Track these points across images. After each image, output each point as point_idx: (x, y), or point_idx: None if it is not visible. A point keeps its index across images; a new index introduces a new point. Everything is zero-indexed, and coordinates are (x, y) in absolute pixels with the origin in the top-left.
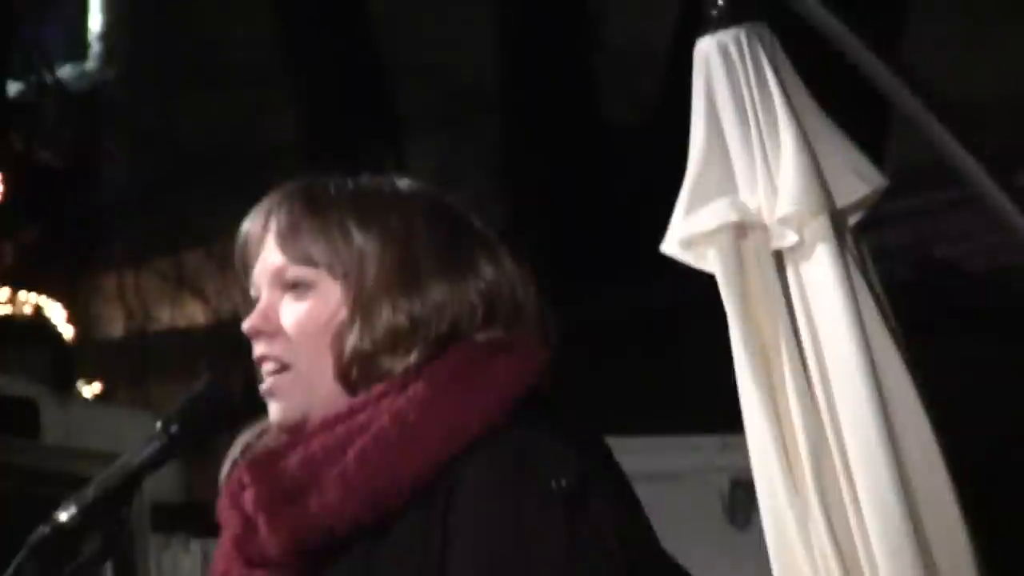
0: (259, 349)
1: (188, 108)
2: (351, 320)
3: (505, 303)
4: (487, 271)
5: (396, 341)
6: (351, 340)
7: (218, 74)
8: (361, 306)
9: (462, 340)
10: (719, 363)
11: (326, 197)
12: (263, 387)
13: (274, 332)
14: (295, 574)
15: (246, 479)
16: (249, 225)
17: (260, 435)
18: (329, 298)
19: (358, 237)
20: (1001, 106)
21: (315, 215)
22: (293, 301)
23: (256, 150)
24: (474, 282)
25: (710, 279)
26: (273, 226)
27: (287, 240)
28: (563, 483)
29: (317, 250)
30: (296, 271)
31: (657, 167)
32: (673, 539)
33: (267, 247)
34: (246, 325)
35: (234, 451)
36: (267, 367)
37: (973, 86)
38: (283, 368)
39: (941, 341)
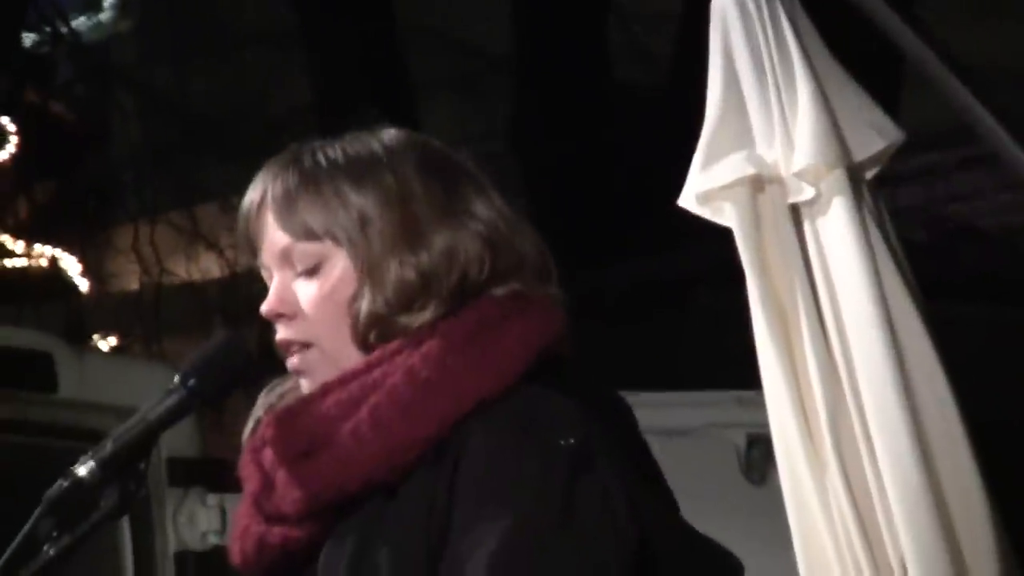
0: (281, 333)
1: (202, 66)
2: (361, 285)
3: (506, 245)
4: (483, 213)
5: (409, 298)
6: (364, 304)
7: (233, 35)
8: (369, 268)
9: (479, 296)
10: (733, 322)
11: (317, 166)
12: (290, 365)
13: (293, 314)
14: (311, 530)
15: (266, 436)
16: (247, 203)
17: (282, 395)
18: (337, 267)
19: (355, 200)
20: (1008, 74)
21: (308, 186)
22: (305, 279)
23: (270, 112)
24: (473, 225)
25: (725, 240)
26: (270, 202)
27: (285, 217)
28: (570, 442)
29: (316, 222)
30: (302, 248)
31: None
32: (688, 495)
33: (268, 224)
34: (264, 308)
35: (257, 410)
36: (292, 349)
37: (982, 54)
38: (307, 346)
39: (951, 303)
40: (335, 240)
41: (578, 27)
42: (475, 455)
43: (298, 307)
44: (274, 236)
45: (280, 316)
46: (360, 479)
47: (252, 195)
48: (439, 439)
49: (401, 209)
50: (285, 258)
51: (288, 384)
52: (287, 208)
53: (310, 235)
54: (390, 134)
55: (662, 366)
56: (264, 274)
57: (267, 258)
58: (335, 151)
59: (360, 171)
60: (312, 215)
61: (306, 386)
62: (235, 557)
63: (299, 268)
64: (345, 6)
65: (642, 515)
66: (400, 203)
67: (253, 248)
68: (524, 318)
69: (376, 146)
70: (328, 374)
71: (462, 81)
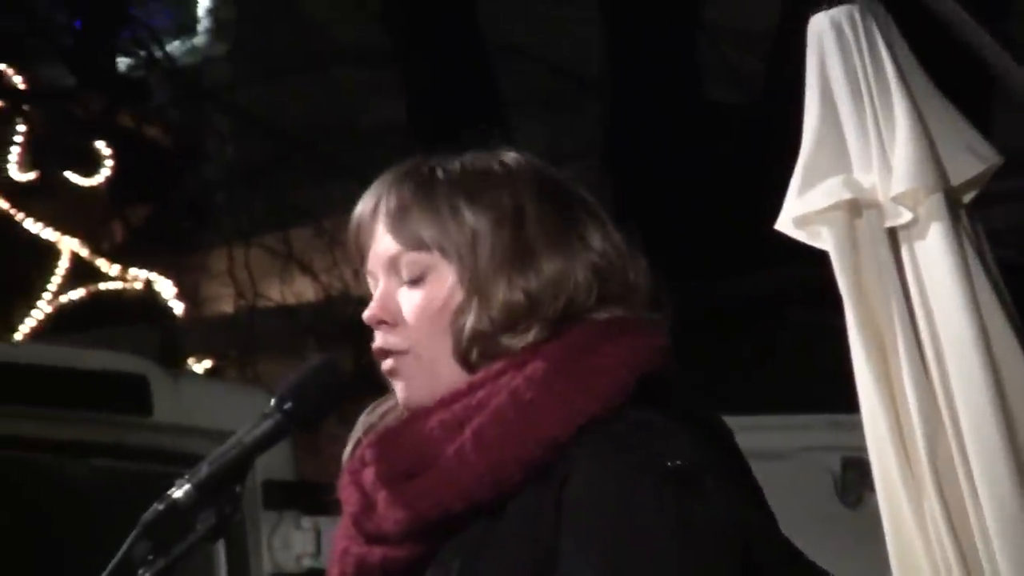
0: (379, 340)
1: (295, 87)
2: (468, 301)
3: (617, 276)
4: (597, 243)
5: (514, 319)
6: (469, 321)
7: (325, 53)
8: (476, 286)
9: (582, 319)
10: (827, 344)
11: (434, 179)
12: (385, 367)
13: (394, 321)
14: (412, 550)
15: (367, 457)
16: (360, 210)
17: (383, 415)
18: (444, 281)
19: (469, 217)
20: None
21: (424, 198)
22: (410, 288)
23: (362, 130)
24: (586, 255)
25: (817, 260)
26: (383, 211)
27: (398, 225)
28: (677, 463)
29: (428, 233)
30: (410, 257)
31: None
32: (783, 518)
33: (379, 233)
34: (366, 314)
35: (357, 431)
36: (389, 356)
37: None
38: (403, 353)
39: None
40: (444, 253)
41: (668, 46)
42: (583, 479)
43: (400, 315)
44: (384, 243)
45: (381, 323)
46: (465, 500)
47: (366, 203)
48: (544, 461)
49: (513, 230)
50: (392, 266)
51: (388, 404)
52: (400, 217)
53: (420, 245)
54: (510, 156)
55: (754, 386)
56: (369, 281)
57: (374, 265)
58: (454, 166)
59: (477, 189)
60: (424, 226)
61: (400, 390)
62: None
63: (405, 276)
64: (435, 25)
65: (751, 533)
66: (513, 224)
67: (362, 254)
68: (627, 341)
69: (495, 166)
70: (422, 381)
71: (553, 100)
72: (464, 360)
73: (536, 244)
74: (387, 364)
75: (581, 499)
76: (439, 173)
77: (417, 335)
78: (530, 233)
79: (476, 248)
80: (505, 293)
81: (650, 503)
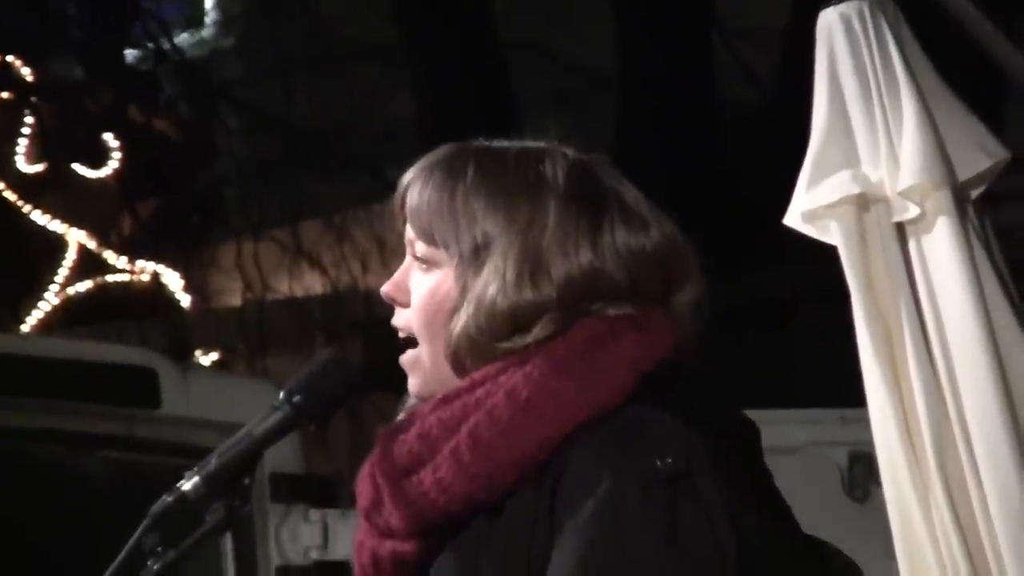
0: (395, 317)
1: (305, 82)
2: (460, 304)
3: (643, 270)
4: (625, 250)
5: (505, 329)
6: (458, 323)
7: (335, 49)
8: (470, 291)
9: (589, 314)
10: (836, 340)
11: (462, 175)
12: (401, 360)
13: (405, 302)
14: (419, 545)
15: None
16: (401, 182)
17: (407, 408)
18: (447, 278)
19: (481, 222)
20: None
21: (444, 193)
22: (421, 274)
23: (372, 126)
24: (608, 262)
25: (829, 258)
26: (409, 196)
27: (414, 215)
28: (667, 462)
29: (439, 230)
30: (421, 248)
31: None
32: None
33: (405, 213)
34: (384, 289)
35: (381, 428)
36: (401, 336)
37: None
38: (411, 341)
39: None
40: (449, 252)
41: (681, 44)
42: (573, 479)
43: (409, 297)
44: (407, 225)
45: (394, 300)
46: (461, 499)
47: (404, 179)
48: (540, 460)
49: (524, 240)
50: (411, 247)
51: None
52: (418, 209)
53: (431, 239)
54: (556, 160)
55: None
56: (407, 247)
57: (406, 238)
58: (486, 164)
59: (499, 194)
60: (437, 223)
61: (410, 384)
62: (356, 571)
63: (419, 262)
64: (448, 21)
65: (745, 530)
66: (525, 234)
67: (401, 220)
68: (633, 337)
69: (531, 173)
70: (429, 376)
71: (565, 98)
72: (456, 362)
73: (547, 253)
74: (402, 358)
75: (569, 499)
76: (470, 170)
77: (418, 325)
78: (543, 243)
79: (479, 254)
80: (495, 304)
81: (636, 503)
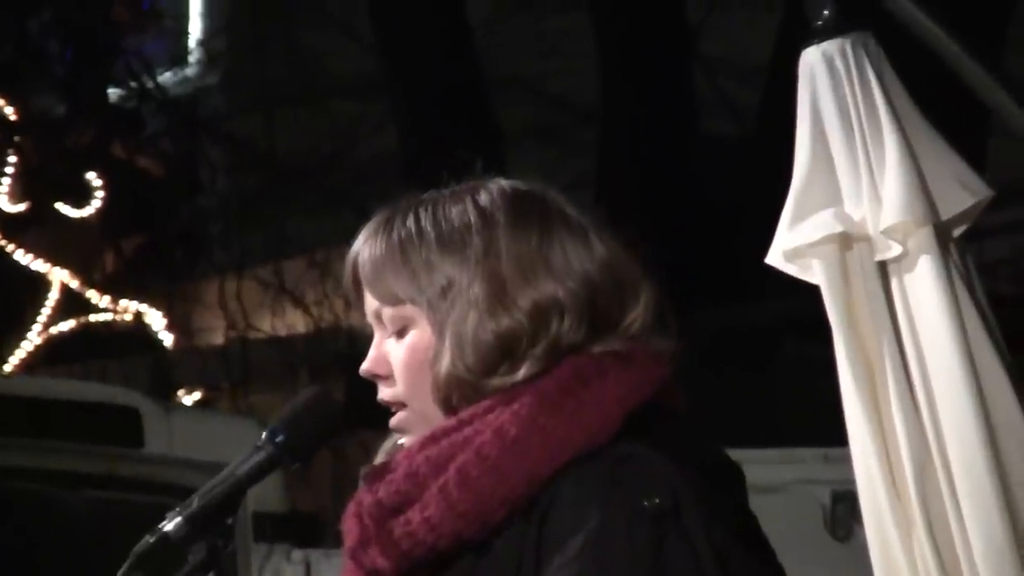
0: (380, 393)
1: (287, 117)
2: (440, 347)
3: (604, 297)
4: (579, 266)
5: (490, 361)
6: (443, 367)
7: (317, 84)
8: (448, 333)
9: (576, 352)
10: (818, 378)
11: (406, 232)
12: (391, 424)
13: (387, 374)
14: None
15: (363, 490)
16: (349, 255)
17: (397, 445)
18: (424, 332)
19: (439, 266)
20: None
21: (395, 255)
22: (396, 341)
23: (356, 161)
24: (567, 282)
25: (809, 296)
26: (362, 268)
27: (372, 283)
28: (655, 502)
29: (401, 288)
30: (389, 312)
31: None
32: (775, 551)
33: (363, 286)
34: (362, 368)
35: (379, 459)
36: (392, 409)
37: None
38: (403, 407)
39: None
40: (418, 305)
41: (664, 78)
42: (561, 514)
43: (391, 368)
44: (368, 298)
45: (376, 376)
46: (449, 537)
47: (352, 251)
48: (529, 497)
49: (484, 271)
50: (378, 319)
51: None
52: (374, 275)
53: (396, 300)
54: (492, 190)
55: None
56: (373, 322)
57: (367, 312)
58: (427, 215)
59: (447, 235)
60: (397, 283)
61: (395, 422)
62: None
63: (390, 330)
64: (430, 55)
65: (732, 570)
66: (483, 265)
67: (359, 296)
68: (620, 375)
69: (470, 206)
70: (416, 421)
71: (548, 131)
72: (446, 405)
73: (509, 281)
74: (392, 421)
75: (557, 535)
76: (411, 224)
77: (406, 388)
78: (503, 275)
79: (447, 295)
80: (474, 335)
81: (623, 541)
